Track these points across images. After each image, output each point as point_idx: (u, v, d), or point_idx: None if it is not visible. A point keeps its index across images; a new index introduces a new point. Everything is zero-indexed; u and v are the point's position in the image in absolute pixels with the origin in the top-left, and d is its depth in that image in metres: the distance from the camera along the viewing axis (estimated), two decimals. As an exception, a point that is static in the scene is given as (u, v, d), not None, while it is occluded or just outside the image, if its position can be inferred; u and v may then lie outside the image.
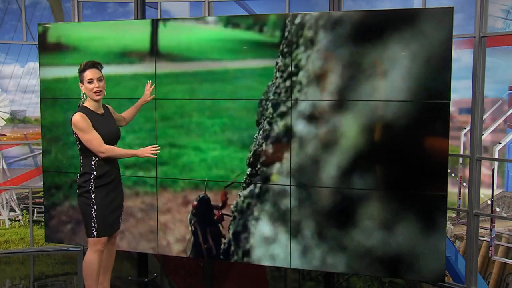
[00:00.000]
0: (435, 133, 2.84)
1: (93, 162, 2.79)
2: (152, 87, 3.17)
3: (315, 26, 2.97)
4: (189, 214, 3.39)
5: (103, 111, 2.87)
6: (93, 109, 2.80)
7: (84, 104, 2.83)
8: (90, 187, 2.78)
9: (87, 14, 4.47)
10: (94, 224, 2.79)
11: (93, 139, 2.74)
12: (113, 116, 2.96)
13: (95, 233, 2.80)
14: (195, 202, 3.38)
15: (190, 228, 3.40)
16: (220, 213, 3.30)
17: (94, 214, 2.78)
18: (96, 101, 2.80)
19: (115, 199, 2.88)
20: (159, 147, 2.84)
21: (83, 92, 2.80)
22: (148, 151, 2.80)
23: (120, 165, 3.39)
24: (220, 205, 3.31)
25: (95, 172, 2.78)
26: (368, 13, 2.94)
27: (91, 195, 2.78)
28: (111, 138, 2.83)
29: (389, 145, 2.90)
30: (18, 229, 4.48)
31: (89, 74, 2.75)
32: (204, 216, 3.36)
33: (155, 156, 2.86)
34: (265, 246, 3.20)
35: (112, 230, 2.92)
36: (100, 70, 2.81)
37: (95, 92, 2.76)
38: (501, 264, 3.42)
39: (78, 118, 2.72)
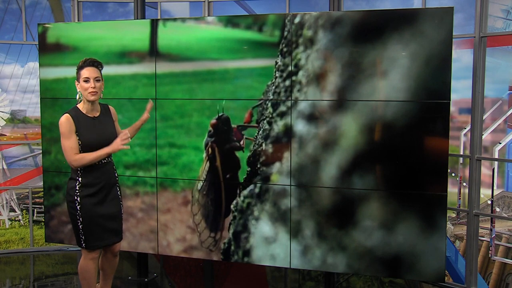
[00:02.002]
0: (435, 133, 2.83)
1: (79, 169, 2.64)
2: (151, 106, 2.98)
3: (314, 25, 2.97)
4: (205, 138, 3.26)
5: (98, 114, 2.71)
6: (84, 112, 2.66)
7: (77, 105, 2.69)
8: (75, 197, 2.63)
9: (87, 14, 4.47)
10: (82, 236, 2.67)
11: (67, 147, 2.59)
12: (112, 118, 2.81)
13: (83, 245, 2.69)
14: (214, 120, 3.21)
15: (205, 153, 3.24)
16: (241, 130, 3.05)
17: (80, 227, 2.65)
18: (90, 101, 2.65)
19: (106, 209, 2.71)
20: (129, 134, 2.65)
21: (78, 90, 2.65)
22: (119, 144, 2.62)
23: (120, 165, 3.41)
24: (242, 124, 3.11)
25: (80, 179, 2.64)
26: (368, 13, 2.94)
27: (76, 206, 2.64)
28: (100, 144, 2.65)
29: (389, 145, 2.90)
30: (18, 229, 4.48)
31: (86, 72, 2.60)
32: (224, 135, 3.19)
33: (128, 147, 2.67)
34: (265, 246, 3.20)
35: (106, 242, 2.75)
36: (100, 70, 2.67)
37: (90, 92, 2.60)
38: (501, 264, 3.42)
39: (62, 120, 2.59)
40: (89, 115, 2.68)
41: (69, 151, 2.60)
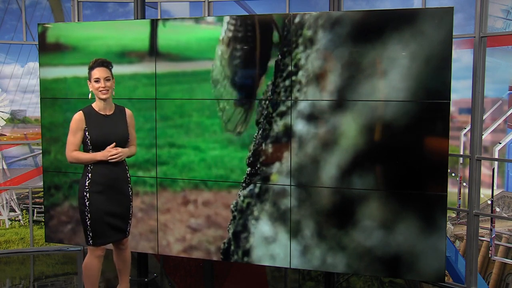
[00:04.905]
0: (435, 133, 2.83)
1: (89, 165, 2.74)
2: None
3: (314, 25, 2.97)
4: None
5: (111, 112, 2.82)
6: (97, 109, 2.78)
7: (92, 104, 2.81)
8: (85, 193, 2.72)
9: (87, 14, 4.47)
10: (89, 233, 2.73)
11: (70, 142, 2.73)
12: (127, 119, 2.88)
13: (90, 241, 2.74)
14: None
15: None
16: None
17: (88, 222, 2.72)
18: (102, 100, 2.76)
19: (114, 207, 2.77)
20: (121, 153, 2.74)
21: (90, 89, 2.77)
22: (107, 155, 2.71)
23: (120, 165, 3.40)
24: None
25: (89, 175, 2.73)
26: (368, 13, 2.94)
27: (85, 202, 2.72)
28: (109, 140, 2.75)
29: (389, 145, 2.90)
30: (18, 229, 4.48)
31: (96, 72, 2.72)
32: None
33: (114, 161, 2.74)
34: (265, 246, 3.20)
35: (113, 239, 2.82)
36: (110, 69, 2.78)
37: (101, 91, 2.73)
38: (501, 264, 3.42)
39: (74, 116, 2.74)
40: (101, 112, 2.79)
41: (70, 146, 2.73)
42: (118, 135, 2.79)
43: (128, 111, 2.92)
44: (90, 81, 2.76)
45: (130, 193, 2.89)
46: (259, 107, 3.15)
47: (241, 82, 3.17)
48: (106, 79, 2.73)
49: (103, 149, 2.74)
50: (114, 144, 2.75)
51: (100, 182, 2.73)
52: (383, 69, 2.86)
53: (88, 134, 2.73)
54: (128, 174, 2.89)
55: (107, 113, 2.80)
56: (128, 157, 2.88)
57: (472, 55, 3.33)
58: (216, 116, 3.26)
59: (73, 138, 2.72)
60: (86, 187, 2.72)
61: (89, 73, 2.76)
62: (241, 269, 4.00)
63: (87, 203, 2.72)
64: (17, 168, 4.48)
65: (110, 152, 2.73)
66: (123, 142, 2.82)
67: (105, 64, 2.76)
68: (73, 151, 2.73)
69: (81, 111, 2.75)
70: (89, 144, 2.74)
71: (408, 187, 2.90)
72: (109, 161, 2.72)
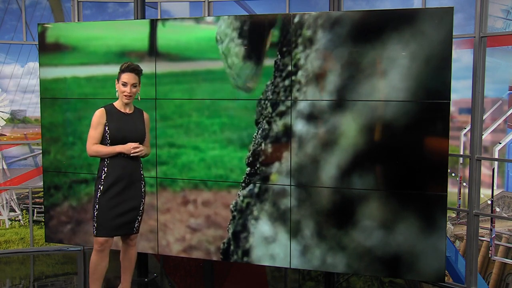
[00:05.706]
0: (435, 133, 2.83)
1: (106, 159, 2.84)
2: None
3: (313, 25, 2.97)
4: None
5: (131, 112, 2.92)
6: (118, 107, 2.88)
7: (114, 102, 2.91)
8: (99, 186, 2.83)
9: (87, 14, 4.47)
10: (94, 223, 2.83)
11: (90, 136, 2.83)
12: (144, 121, 2.96)
13: (94, 232, 2.84)
14: None
15: None
16: None
17: (95, 213, 2.82)
18: (124, 103, 2.88)
19: (125, 202, 2.85)
20: (143, 150, 2.86)
21: (116, 89, 2.87)
22: (130, 148, 2.81)
23: (120, 165, 3.40)
24: None
25: (106, 169, 2.83)
26: (368, 13, 2.93)
27: (97, 194, 2.82)
28: (126, 137, 2.84)
29: (389, 145, 2.90)
30: (18, 229, 4.48)
31: (125, 77, 2.82)
32: None
33: (136, 155, 2.85)
34: (264, 246, 3.20)
35: (117, 233, 2.88)
36: (139, 76, 2.87)
37: (125, 96, 2.84)
38: (501, 264, 3.42)
39: (96, 112, 2.84)
40: (122, 110, 2.90)
41: (90, 140, 2.84)
42: (136, 132, 2.89)
43: (145, 114, 3.01)
44: (118, 81, 2.86)
45: (143, 190, 2.95)
46: (258, 107, 3.14)
47: (250, 31, 3.12)
48: (133, 85, 2.84)
49: (121, 144, 2.83)
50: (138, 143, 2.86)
51: (116, 174, 2.82)
52: (383, 69, 2.86)
53: (107, 129, 2.83)
54: (142, 172, 2.96)
55: (127, 112, 2.91)
56: (144, 156, 2.95)
57: (472, 55, 3.33)
58: (216, 116, 3.26)
59: (94, 132, 2.82)
60: (102, 180, 2.82)
61: (119, 74, 2.86)
62: (241, 269, 4.00)
63: (98, 194, 2.82)
64: (17, 168, 4.49)
65: (132, 145, 2.82)
66: (140, 141, 2.90)
67: (136, 71, 2.86)
68: (93, 145, 2.83)
69: (102, 108, 2.86)
70: (108, 138, 2.83)
71: (408, 187, 2.90)
72: (131, 155, 2.82)
